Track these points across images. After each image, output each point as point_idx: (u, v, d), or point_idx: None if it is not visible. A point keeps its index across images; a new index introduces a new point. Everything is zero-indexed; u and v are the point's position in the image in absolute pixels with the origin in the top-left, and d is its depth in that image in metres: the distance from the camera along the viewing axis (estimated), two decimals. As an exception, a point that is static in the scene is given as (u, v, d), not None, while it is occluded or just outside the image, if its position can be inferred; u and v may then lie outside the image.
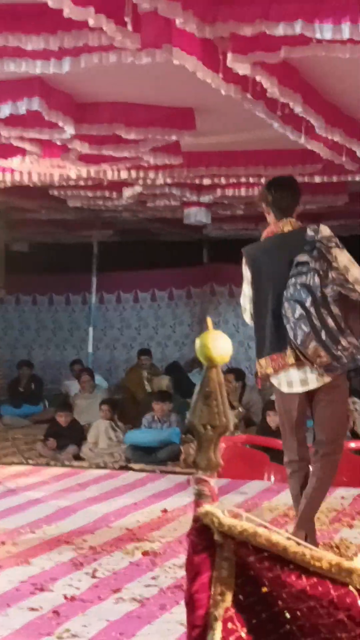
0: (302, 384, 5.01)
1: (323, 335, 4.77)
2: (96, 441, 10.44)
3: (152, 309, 16.33)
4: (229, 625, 1.51)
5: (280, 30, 4.48)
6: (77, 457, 10.18)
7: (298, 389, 5.03)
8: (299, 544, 1.51)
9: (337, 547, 5.50)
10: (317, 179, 8.74)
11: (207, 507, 1.53)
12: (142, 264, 15.71)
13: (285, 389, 5.08)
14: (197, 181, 9.30)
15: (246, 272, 5.27)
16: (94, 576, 4.87)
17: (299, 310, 4.80)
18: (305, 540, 4.99)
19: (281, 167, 8.39)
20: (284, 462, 5.29)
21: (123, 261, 15.53)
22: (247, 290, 5.27)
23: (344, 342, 4.81)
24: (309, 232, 5.03)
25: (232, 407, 10.61)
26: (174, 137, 7.09)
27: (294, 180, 5.65)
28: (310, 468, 5.15)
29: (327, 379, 4.97)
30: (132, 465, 9.40)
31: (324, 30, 4.39)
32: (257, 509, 6.57)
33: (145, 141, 7.20)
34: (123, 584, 4.73)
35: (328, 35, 4.43)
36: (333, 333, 4.79)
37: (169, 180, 9.15)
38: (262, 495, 7.05)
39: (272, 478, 7.79)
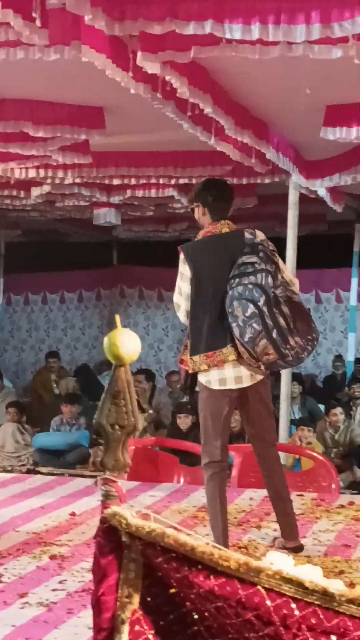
0: (236, 382, 5.12)
1: (274, 333, 4.90)
2: (3, 444, 10.31)
3: (61, 310, 16.21)
4: (136, 627, 1.48)
5: (190, 29, 4.47)
6: (-16, 461, 10.03)
7: (232, 385, 5.12)
8: (207, 544, 1.48)
9: (245, 548, 5.51)
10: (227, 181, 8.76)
11: (114, 508, 1.49)
12: (51, 265, 15.57)
13: (216, 386, 5.13)
14: (106, 181, 9.26)
15: (185, 270, 5.24)
16: (-1, 581, 4.78)
17: (251, 309, 4.91)
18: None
19: (191, 169, 8.42)
20: (202, 464, 5.27)
21: (31, 262, 15.36)
22: (184, 288, 5.25)
23: (292, 342, 4.95)
24: (247, 235, 5.18)
25: (142, 410, 10.59)
26: (83, 136, 7.03)
27: (227, 183, 5.81)
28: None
29: (258, 377, 5.12)
30: (40, 468, 9.30)
31: (234, 30, 4.40)
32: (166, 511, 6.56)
33: (54, 140, 7.12)
34: (30, 588, 4.65)
35: (237, 35, 4.44)
36: (283, 332, 4.93)
37: (78, 180, 9.09)
38: (171, 497, 7.03)
39: (182, 480, 7.78)
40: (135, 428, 1.52)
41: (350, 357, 13.68)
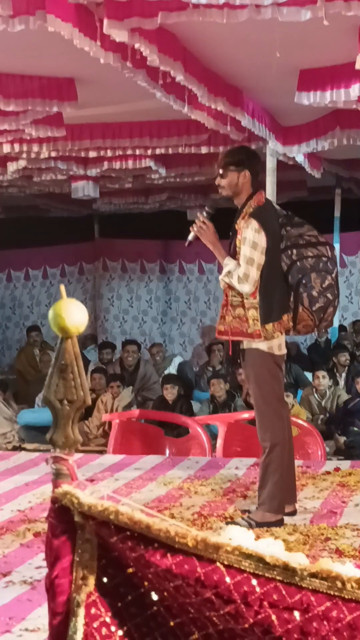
0: (285, 347, 5.45)
1: (336, 302, 5.37)
2: (-12, 422, 10.25)
3: (44, 286, 16.13)
4: (93, 610, 1.43)
5: (155, -6, 4.39)
6: (-31, 439, 9.98)
7: (284, 350, 5.41)
8: (164, 520, 1.43)
9: (231, 518, 5.49)
10: (204, 150, 8.69)
11: (65, 487, 1.44)
12: (32, 240, 15.48)
13: (277, 351, 5.32)
14: (82, 154, 9.15)
15: (261, 240, 5.18)
16: (-18, 560, 4.74)
17: (328, 281, 5.28)
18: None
19: (167, 138, 8.34)
20: (271, 445, 5.31)
21: (12, 238, 15.25)
22: (258, 258, 5.18)
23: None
24: (275, 205, 5.52)
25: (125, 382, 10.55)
26: (54, 109, 6.93)
27: None
28: None
29: None
30: (26, 445, 9.25)
31: (200, -6, 4.32)
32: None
33: (26, 113, 7.02)
34: (13, 567, 4.62)
35: (204, -1, 4.36)
36: (339, 299, 5.45)
37: (53, 154, 8.99)
38: (156, 469, 7.00)
39: (167, 452, 7.75)
40: (85, 402, 1.46)
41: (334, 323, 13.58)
